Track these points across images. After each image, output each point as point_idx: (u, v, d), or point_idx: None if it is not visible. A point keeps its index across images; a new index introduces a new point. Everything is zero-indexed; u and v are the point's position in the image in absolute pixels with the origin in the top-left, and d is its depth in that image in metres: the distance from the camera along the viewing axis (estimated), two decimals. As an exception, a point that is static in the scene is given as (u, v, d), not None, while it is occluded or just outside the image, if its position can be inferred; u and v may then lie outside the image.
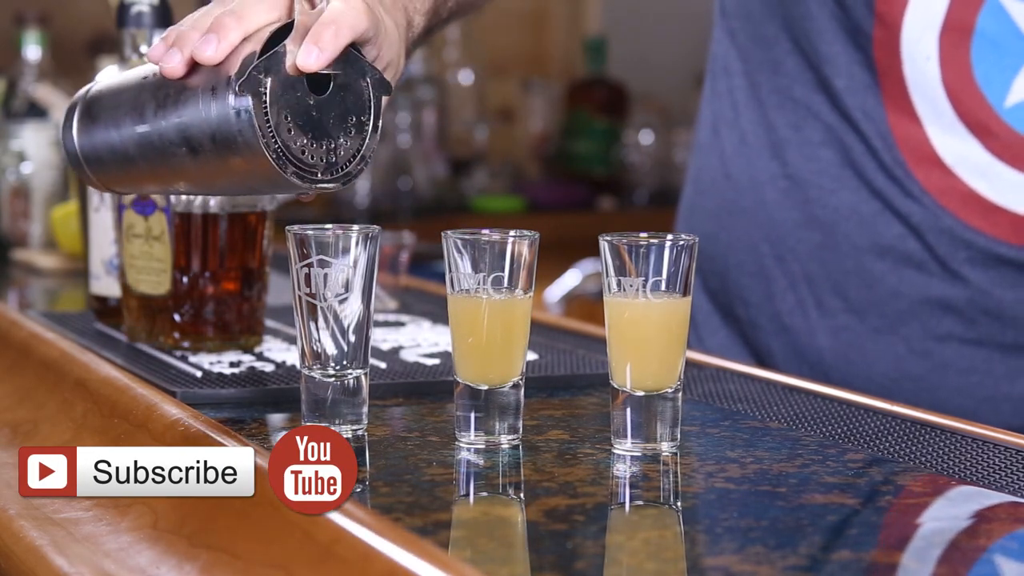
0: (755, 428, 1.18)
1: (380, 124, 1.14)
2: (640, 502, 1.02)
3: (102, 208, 1.50)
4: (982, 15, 1.37)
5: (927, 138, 1.41)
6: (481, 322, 1.11)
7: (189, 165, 1.12)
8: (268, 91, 1.08)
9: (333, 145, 1.11)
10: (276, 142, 1.08)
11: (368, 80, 1.13)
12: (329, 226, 1.15)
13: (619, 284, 1.10)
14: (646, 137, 3.82)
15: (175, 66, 1.10)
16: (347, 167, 1.12)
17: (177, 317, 1.37)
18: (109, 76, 1.19)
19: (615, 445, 1.11)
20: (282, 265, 1.48)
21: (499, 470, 1.08)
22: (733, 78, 1.55)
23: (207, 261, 1.36)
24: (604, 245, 1.10)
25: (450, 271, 1.13)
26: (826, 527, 0.94)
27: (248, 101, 1.07)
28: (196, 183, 1.15)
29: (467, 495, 1.04)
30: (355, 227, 1.15)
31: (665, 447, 1.10)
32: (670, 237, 1.09)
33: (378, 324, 1.51)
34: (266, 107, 1.07)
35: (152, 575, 0.98)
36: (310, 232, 1.14)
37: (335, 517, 0.90)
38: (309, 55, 1.08)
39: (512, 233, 1.12)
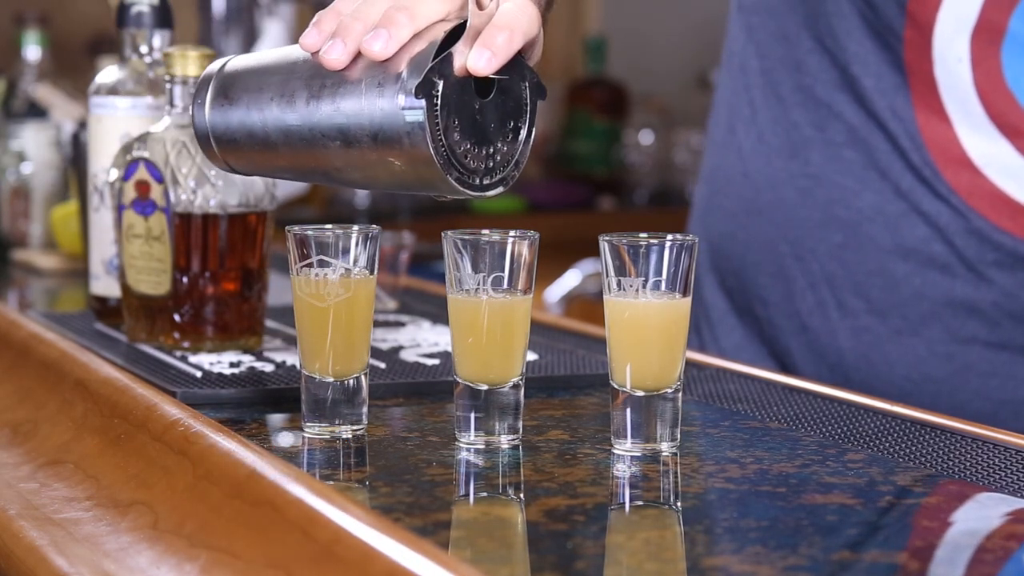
0: (755, 428, 1.18)
1: (534, 130, 1.13)
2: (640, 502, 1.02)
3: (102, 208, 1.50)
4: (1014, 17, 1.37)
5: (957, 139, 1.41)
6: (481, 322, 1.11)
7: (339, 160, 1.10)
8: (440, 94, 1.06)
9: (492, 150, 1.10)
10: (444, 147, 1.07)
11: (527, 84, 1.12)
12: (329, 226, 1.15)
13: (619, 284, 1.10)
14: (646, 137, 3.82)
15: (339, 57, 1.08)
16: (502, 173, 1.11)
17: (177, 317, 1.37)
18: (247, 56, 1.17)
19: (615, 445, 1.11)
20: (282, 265, 1.48)
21: (499, 470, 1.08)
22: (750, 75, 1.54)
23: (207, 261, 1.36)
24: (604, 245, 1.10)
25: (450, 271, 1.13)
26: (826, 527, 0.94)
27: (422, 103, 1.05)
28: (341, 178, 1.13)
29: (467, 495, 1.04)
30: (355, 227, 1.15)
31: (665, 447, 1.10)
32: (670, 237, 1.09)
33: (378, 324, 1.51)
34: (437, 110, 1.06)
35: (152, 575, 0.98)
36: (310, 232, 1.14)
37: (335, 517, 0.90)
38: (481, 58, 1.06)
39: (512, 233, 1.12)
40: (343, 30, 1.08)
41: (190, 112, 1.17)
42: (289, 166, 1.14)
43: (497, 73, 1.08)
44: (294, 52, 1.13)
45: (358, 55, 1.08)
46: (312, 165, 1.12)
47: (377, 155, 1.08)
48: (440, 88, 1.06)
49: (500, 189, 1.11)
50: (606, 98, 3.80)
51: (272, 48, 1.18)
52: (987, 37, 1.38)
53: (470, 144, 1.08)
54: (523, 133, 1.12)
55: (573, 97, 3.82)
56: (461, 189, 1.09)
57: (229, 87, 1.15)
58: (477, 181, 1.10)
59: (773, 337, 1.54)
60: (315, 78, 1.10)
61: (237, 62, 1.16)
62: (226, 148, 1.16)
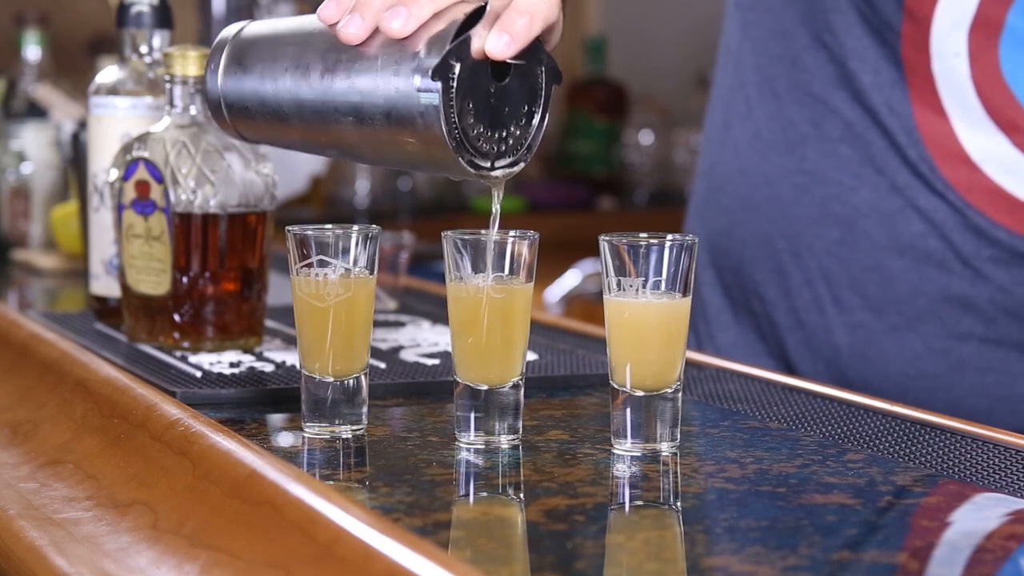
0: (755, 428, 1.18)
1: (547, 115, 1.13)
2: (640, 502, 1.02)
3: (102, 208, 1.50)
4: (1012, 12, 1.37)
5: (954, 134, 1.41)
6: (481, 322, 1.11)
7: (351, 135, 1.10)
8: (456, 77, 1.06)
9: (505, 134, 1.10)
10: (457, 129, 1.06)
11: (543, 69, 1.11)
12: (329, 226, 1.15)
13: (619, 284, 1.10)
14: (646, 137, 3.82)
15: (356, 32, 1.08)
16: (514, 156, 1.11)
17: (177, 317, 1.37)
18: (263, 22, 1.16)
19: (615, 445, 1.11)
20: (282, 265, 1.48)
21: (499, 470, 1.08)
22: (746, 72, 1.54)
23: (207, 261, 1.36)
24: (604, 245, 1.10)
25: (450, 271, 1.13)
26: (826, 527, 0.94)
27: (438, 86, 1.05)
28: (351, 152, 1.13)
29: (467, 495, 1.04)
30: (355, 227, 1.15)
31: (665, 447, 1.10)
32: (670, 237, 1.09)
33: (378, 324, 1.51)
34: (452, 93, 1.06)
35: (152, 575, 0.98)
36: (310, 232, 1.14)
37: (335, 517, 0.90)
38: (499, 42, 1.06)
39: (512, 233, 1.12)
40: (362, 5, 1.08)
41: (203, 76, 1.17)
42: (300, 138, 1.14)
43: (514, 58, 1.08)
44: (311, 23, 1.12)
45: (376, 30, 1.08)
46: (323, 139, 1.12)
47: (389, 134, 1.08)
48: (457, 71, 1.06)
49: (511, 172, 1.11)
50: (606, 98, 3.80)
51: (288, 17, 1.17)
52: (985, 32, 1.38)
53: (483, 127, 1.08)
54: (537, 118, 1.12)
55: (573, 97, 3.82)
56: (472, 172, 1.09)
57: (243, 54, 1.14)
58: (488, 164, 1.10)
59: (770, 333, 1.54)
60: (331, 51, 1.10)
61: (253, 28, 1.15)
62: (237, 116, 1.15)
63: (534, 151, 1.12)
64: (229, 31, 1.16)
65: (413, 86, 1.06)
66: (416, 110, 1.06)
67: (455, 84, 1.06)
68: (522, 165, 1.12)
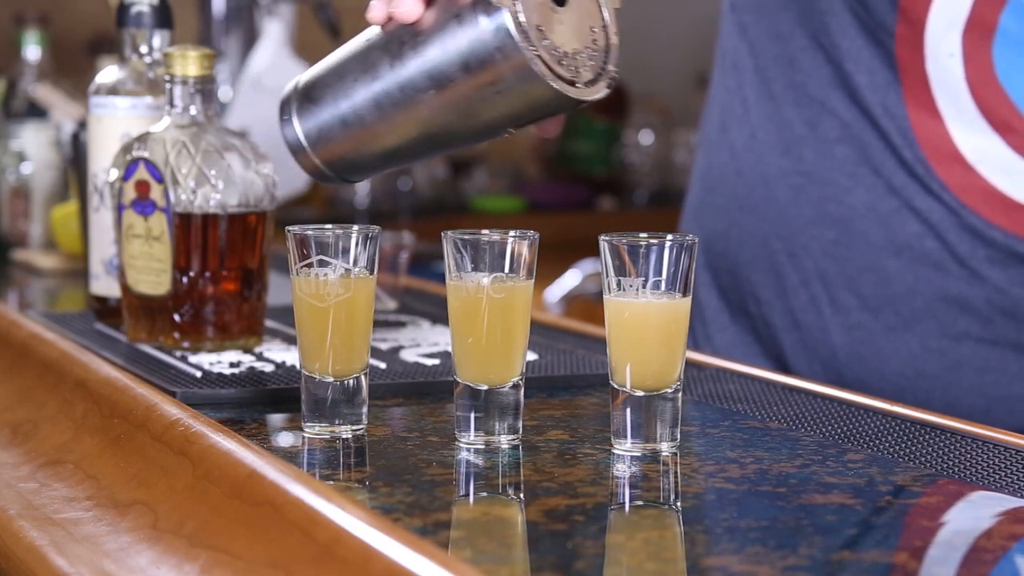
0: (755, 428, 1.18)
1: (618, 33, 1.14)
2: (640, 502, 1.02)
3: (102, 208, 1.50)
4: (1005, 13, 1.37)
5: (949, 135, 1.41)
6: (481, 322, 1.11)
7: (436, 108, 1.11)
8: (519, 3, 1.07)
9: (583, 55, 1.11)
10: (536, 52, 1.07)
11: None
12: (329, 226, 1.15)
13: (619, 284, 1.10)
14: (646, 137, 3.82)
15: (411, 8, 1.11)
16: (603, 77, 1.12)
17: (177, 317, 1.37)
18: (316, 64, 1.18)
19: (615, 445, 1.11)
20: (282, 265, 1.48)
21: (499, 470, 1.08)
22: (743, 74, 1.54)
23: (207, 261, 1.36)
24: (604, 245, 1.10)
25: (450, 271, 1.13)
26: (826, 527, 0.94)
27: (503, 15, 1.07)
28: (443, 132, 1.13)
29: (467, 495, 1.04)
30: (355, 227, 1.15)
31: (665, 447, 1.10)
32: (670, 237, 1.09)
33: (378, 324, 1.51)
34: (520, 18, 1.07)
35: (152, 575, 0.98)
36: (310, 232, 1.14)
37: (335, 517, 0.90)
38: None
39: (512, 233, 1.12)
40: None
41: (281, 133, 1.18)
42: (390, 140, 1.15)
43: None
44: (362, 35, 1.15)
45: (427, 4, 1.11)
46: (410, 128, 1.13)
47: (474, 86, 1.09)
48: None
49: (604, 92, 1.12)
50: (606, 98, 3.80)
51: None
52: (978, 33, 1.38)
53: (560, 51, 1.09)
54: (608, 36, 1.13)
55: (573, 97, 3.81)
56: (569, 95, 1.09)
57: (310, 92, 1.17)
58: (579, 85, 1.11)
59: (766, 334, 1.54)
60: (391, 42, 1.12)
61: (310, 71, 1.18)
62: (323, 149, 1.17)
63: (616, 68, 1.13)
64: (289, 85, 1.19)
65: (480, 27, 1.08)
66: (492, 44, 1.08)
67: (519, 9, 1.07)
68: (612, 84, 1.12)
